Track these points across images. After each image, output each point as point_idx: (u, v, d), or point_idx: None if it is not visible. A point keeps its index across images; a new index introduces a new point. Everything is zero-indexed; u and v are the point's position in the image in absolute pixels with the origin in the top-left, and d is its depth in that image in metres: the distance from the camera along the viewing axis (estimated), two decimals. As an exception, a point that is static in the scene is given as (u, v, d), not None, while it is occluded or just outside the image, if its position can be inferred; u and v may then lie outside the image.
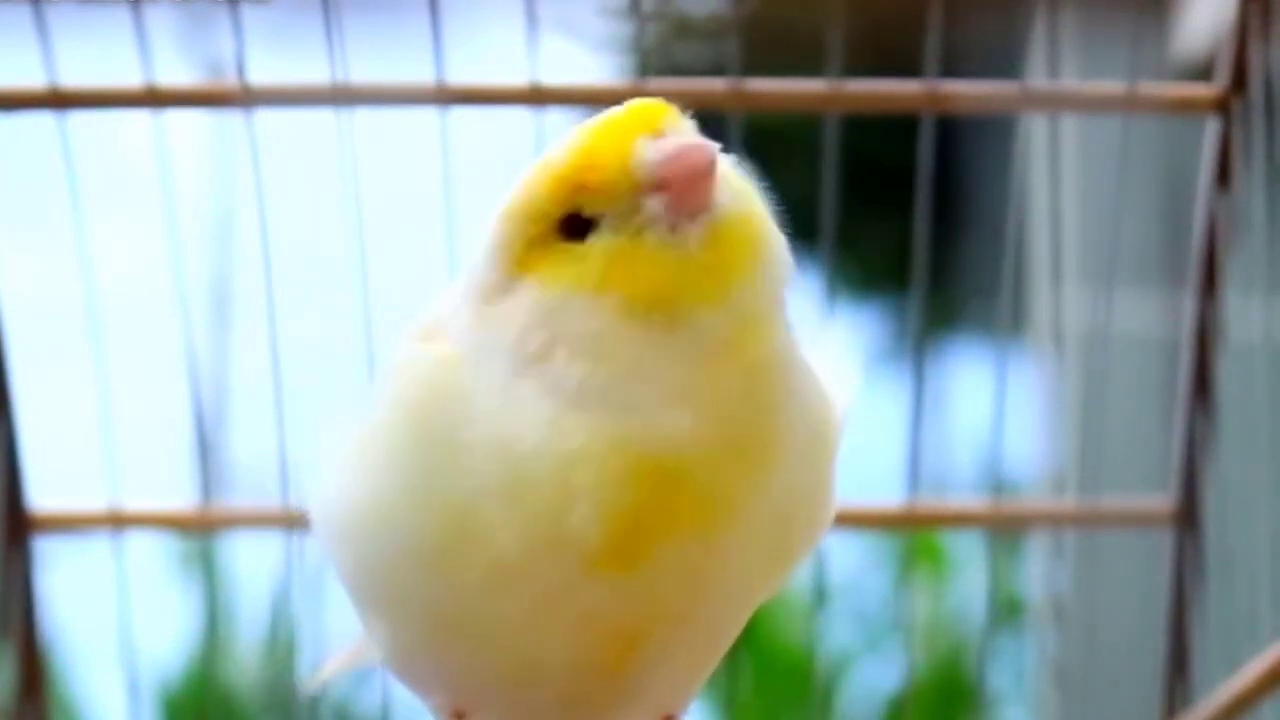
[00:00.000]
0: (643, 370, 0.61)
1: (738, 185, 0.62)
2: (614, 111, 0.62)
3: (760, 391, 0.62)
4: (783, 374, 0.63)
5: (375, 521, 0.64)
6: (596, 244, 0.61)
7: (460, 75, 0.92)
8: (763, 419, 0.62)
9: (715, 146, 0.61)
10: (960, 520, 1.02)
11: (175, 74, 0.95)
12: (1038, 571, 1.80)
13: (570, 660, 0.64)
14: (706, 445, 0.61)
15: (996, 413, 0.98)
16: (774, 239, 0.63)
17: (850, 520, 0.98)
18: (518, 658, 0.64)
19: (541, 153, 0.63)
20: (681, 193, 0.60)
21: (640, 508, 0.61)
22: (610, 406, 0.60)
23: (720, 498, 0.61)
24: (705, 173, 0.60)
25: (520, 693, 0.65)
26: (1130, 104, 0.94)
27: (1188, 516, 0.97)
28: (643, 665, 0.64)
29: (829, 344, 0.68)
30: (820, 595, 0.98)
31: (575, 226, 0.61)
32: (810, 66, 0.94)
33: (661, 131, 0.61)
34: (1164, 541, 0.98)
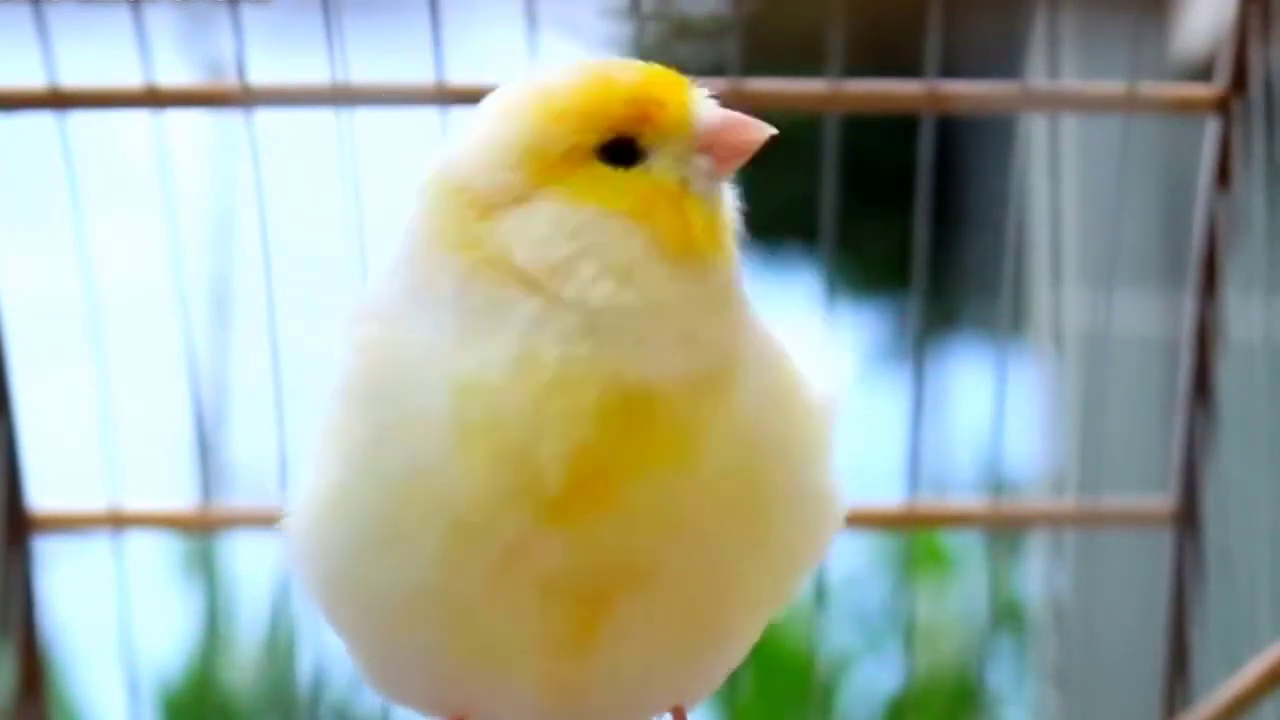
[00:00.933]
0: (659, 306, 0.60)
1: None
2: (639, 63, 0.63)
3: (730, 335, 0.62)
4: (745, 323, 0.63)
5: (331, 515, 0.64)
6: (643, 176, 0.61)
7: (460, 75, 0.92)
8: (729, 358, 0.62)
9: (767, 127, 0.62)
10: (960, 520, 1.02)
11: (175, 74, 0.95)
12: (1038, 572, 1.80)
13: (533, 636, 0.62)
14: (683, 384, 0.61)
15: (996, 413, 0.98)
16: None
17: (850, 520, 0.97)
18: (480, 639, 0.62)
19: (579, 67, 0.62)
20: (724, 161, 0.62)
21: (607, 443, 0.60)
22: (614, 334, 0.60)
23: (683, 435, 0.61)
24: (751, 150, 0.62)
25: (495, 684, 0.64)
26: (1130, 104, 0.94)
27: (1188, 516, 0.97)
28: (614, 640, 0.62)
29: (817, 338, 0.68)
30: (820, 595, 0.98)
31: (620, 153, 0.61)
32: (810, 66, 0.94)
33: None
34: (1164, 541, 0.98)
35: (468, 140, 0.63)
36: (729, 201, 0.63)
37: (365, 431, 0.63)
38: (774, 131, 0.62)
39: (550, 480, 0.60)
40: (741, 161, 0.62)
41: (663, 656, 0.64)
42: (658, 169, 0.61)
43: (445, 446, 0.61)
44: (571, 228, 0.60)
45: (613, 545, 0.61)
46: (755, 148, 0.62)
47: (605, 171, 0.61)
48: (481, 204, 0.61)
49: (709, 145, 0.62)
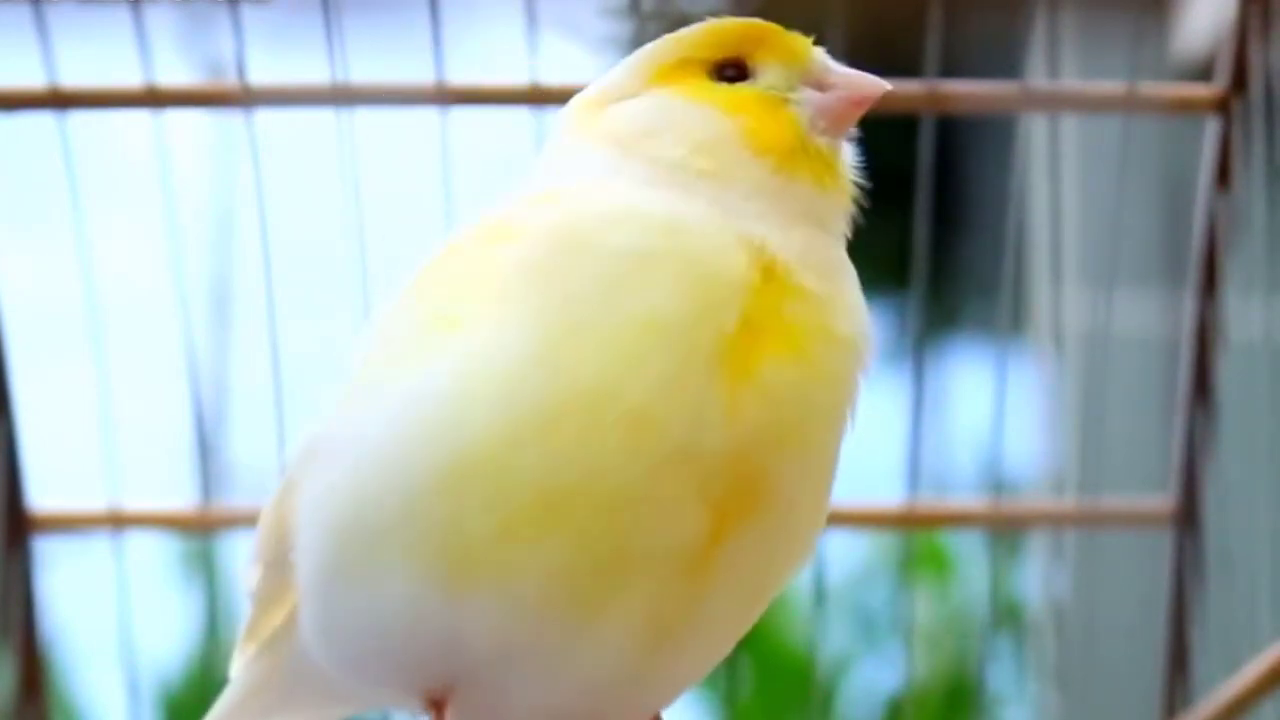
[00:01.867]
0: (749, 186, 0.67)
1: None
2: None
3: (841, 267, 0.70)
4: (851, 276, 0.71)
5: (489, 398, 0.63)
6: (746, 88, 0.68)
7: (460, 75, 0.92)
8: (841, 282, 0.70)
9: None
10: (960, 520, 1.02)
11: (175, 74, 0.95)
12: (1038, 572, 1.80)
13: (673, 538, 0.63)
14: (808, 271, 0.67)
15: (996, 413, 0.98)
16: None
17: (850, 520, 0.98)
18: (619, 539, 0.63)
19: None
20: (840, 115, 0.68)
21: (760, 294, 0.65)
22: (710, 196, 0.66)
23: (813, 317, 0.66)
24: (873, 98, 0.69)
25: (580, 618, 0.64)
26: (1130, 104, 0.94)
27: (1188, 516, 0.97)
28: (722, 572, 0.64)
29: None
30: (820, 595, 0.98)
31: (730, 73, 0.69)
32: (810, 66, 0.94)
33: None
34: (1164, 541, 0.98)
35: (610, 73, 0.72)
36: (850, 158, 0.69)
37: (557, 297, 0.64)
38: (889, 87, 0.69)
39: (730, 312, 0.64)
40: (861, 112, 0.69)
41: (742, 604, 0.67)
42: (762, 84, 0.69)
43: (657, 298, 0.64)
44: (658, 108, 0.68)
45: (752, 430, 0.64)
46: (875, 98, 0.69)
47: (711, 84, 0.69)
48: (602, 102, 0.70)
49: (821, 85, 0.68)
